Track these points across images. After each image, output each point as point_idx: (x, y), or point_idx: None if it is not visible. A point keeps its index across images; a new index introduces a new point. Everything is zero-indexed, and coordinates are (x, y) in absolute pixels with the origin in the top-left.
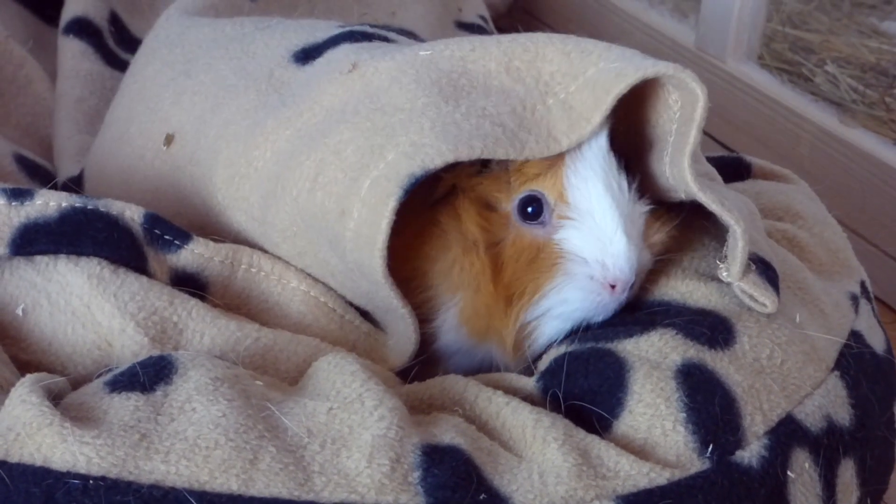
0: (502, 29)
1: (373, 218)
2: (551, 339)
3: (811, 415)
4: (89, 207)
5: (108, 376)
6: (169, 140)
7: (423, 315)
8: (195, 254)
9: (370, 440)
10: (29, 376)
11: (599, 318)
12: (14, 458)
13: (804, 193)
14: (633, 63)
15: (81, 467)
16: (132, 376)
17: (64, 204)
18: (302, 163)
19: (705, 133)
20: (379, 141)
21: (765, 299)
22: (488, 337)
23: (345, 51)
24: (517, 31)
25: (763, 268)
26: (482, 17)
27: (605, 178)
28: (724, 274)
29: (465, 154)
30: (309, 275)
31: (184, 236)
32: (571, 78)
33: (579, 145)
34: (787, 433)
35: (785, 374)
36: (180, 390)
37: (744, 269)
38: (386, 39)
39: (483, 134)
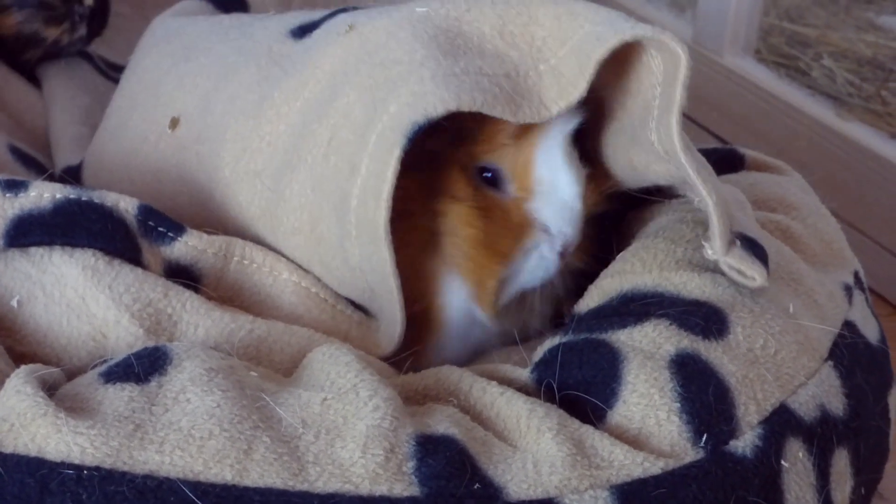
0: None
1: (379, 169)
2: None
3: (805, 404)
4: (83, 199)
5: (103, 367)
6: (174, 123)
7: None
8: (189, 246)
9: (364, 430)
10: (23, 367)
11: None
12: (8, 449)
13: (798, 185)
14: (614, 27)
15: (76, 458)
16: (127, 367)
17: (58, 195)
18: (315, 130)
19: (703, 127)
20: (381, 95)
21: (753, 272)
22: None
23: (341, 18)
24: None
25: (749, 244)
26: None
27: (568, 153)
28: (710, 252)
29: (467, 104)
30: (300, 266)
31: (177, 228)
32: (560, 43)
33: (547, 124)
34: (781, 423)
35: (779, 363)
36: (175, 381)
37: (726, 243)
38: None
39: (483, 89)
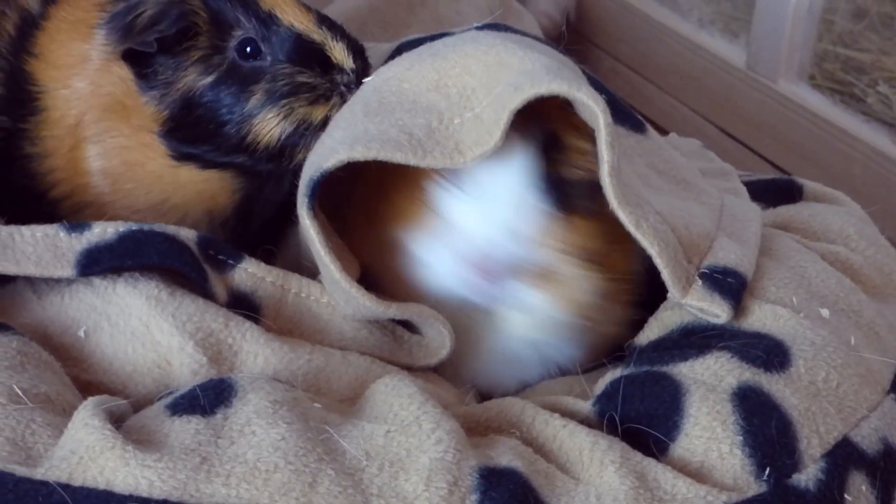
0: None
1: (305, 226)
2: None
3: (867, 437)
4: (146, 228)
5: (169, 399)
6: None
7: None
8: (248, 273)
9: (428, 463)
10: (91, 399)
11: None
12: (77, 482)
13: (856, 216)
14: (533, 79)
15: (143, 490)
16: (192, 399)
17: (121, 229)
18: None
19: (756, 153)
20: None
21: (715, 309)
22: None
23: None
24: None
25: (717, 277)
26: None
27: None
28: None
29: (361, 154)
30: None
31: (236, 256)
32: (487, 91)
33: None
34: (843, 456)
35: (841, 396)
36: (240, 413)
37: (681, 288)
38: None
39: (385, 139)
